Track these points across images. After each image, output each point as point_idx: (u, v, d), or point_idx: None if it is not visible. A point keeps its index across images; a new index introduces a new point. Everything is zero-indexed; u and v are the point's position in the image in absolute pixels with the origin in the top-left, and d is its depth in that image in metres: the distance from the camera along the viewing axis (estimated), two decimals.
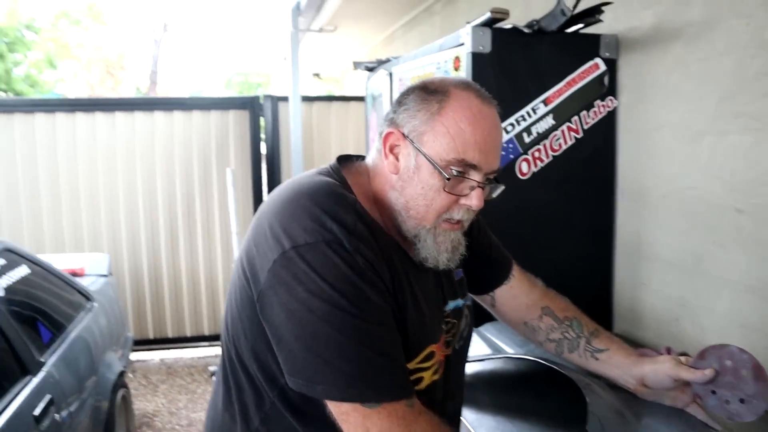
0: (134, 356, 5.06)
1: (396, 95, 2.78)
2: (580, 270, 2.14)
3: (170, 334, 5.23)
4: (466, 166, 1.02)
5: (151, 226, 5.11)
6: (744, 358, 1.19)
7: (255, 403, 1.08)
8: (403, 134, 1.05)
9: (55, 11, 21.01)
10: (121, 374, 3.37)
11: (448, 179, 1.01)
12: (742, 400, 1.18)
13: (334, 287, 0.94)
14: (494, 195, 1.10)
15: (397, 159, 1.07)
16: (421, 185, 1.04)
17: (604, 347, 1.36)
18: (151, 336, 5.22)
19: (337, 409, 0.96)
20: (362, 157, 1.19)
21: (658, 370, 1.26)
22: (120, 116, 5.02)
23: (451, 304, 1.21)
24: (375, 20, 5.05)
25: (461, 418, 1.32)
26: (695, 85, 1.81)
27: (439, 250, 1.07)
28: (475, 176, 1.03)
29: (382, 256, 1.02)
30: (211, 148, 5.15)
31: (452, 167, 1.01)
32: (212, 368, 4.78)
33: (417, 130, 1.04)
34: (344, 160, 1.17)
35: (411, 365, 1.07)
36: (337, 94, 7.76)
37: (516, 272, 1.43)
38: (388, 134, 1.07)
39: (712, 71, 1.74)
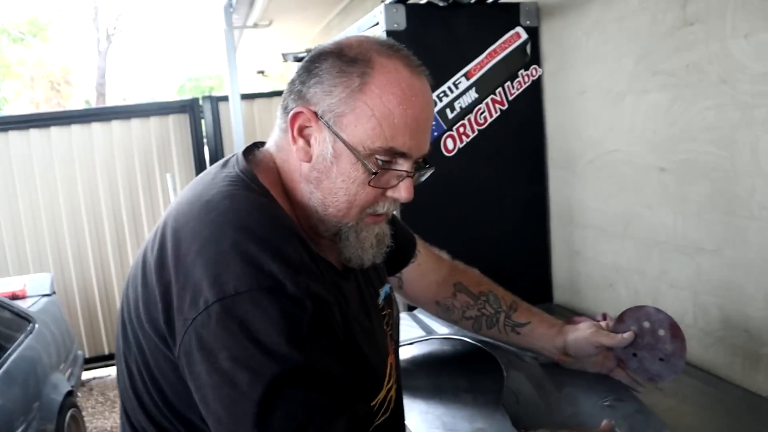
0: (90, 374, 4.95)
1: None
2: (516, 244, 2.11)
3: None
4: (394, 155, 0.87)
5: (98, 239, 5.01)
6: (660, 317, 1.17)
7: None
8: (316, 114, 0.87)
9: None
10: (70, 394, 3.26)
11: (375, 173, 0.86)
12: (661, 360, 1.16)
13: (264, 349, 0.74)
14: (423, 179, 0.97)
15: (308, 144, 0.89)
16: (342, 178, 0.87)
17: (525, 320, 1.31)
18: (106, 351, 5.10)
19: None
20: (263, 143, 1.01)
21: (578, 338, 1.23)
22: (55, 131, 4.90)
23: (382, 293, 1.10)
24: (309, 11, 4.96)
25: None
26: (613, 45, 1.78)
27: (364, 247, 0.93)
28: (405, 165, 0.88)
29: (326, 285, 0.86)
30: (153, 155, 5.06)
31: (378, 156, 0.86)
32: None
33: (334, 111, 0.86)
34: (248, 153, 0.98)
35: (383, 392, 0.97)
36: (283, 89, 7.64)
37: (421, 248, 1.35)
38: (297, 114, 0.88)
39: (628, 30, 1.71)
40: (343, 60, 0.87)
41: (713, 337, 1.52)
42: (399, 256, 1.29)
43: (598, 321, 1.31)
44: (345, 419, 0.76)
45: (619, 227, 1.82)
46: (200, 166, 5.13)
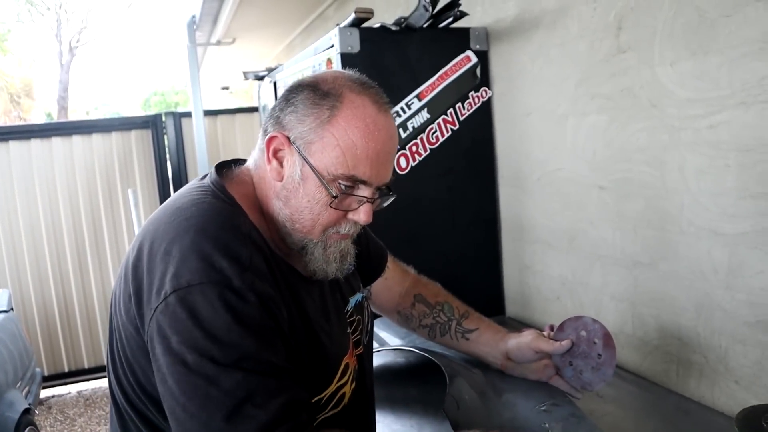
0: (50, 392, 4.87)
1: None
2: (470, 259, 2.19)
3: (87, 365, 5.06)
4: (355, 182, 0.96)
5: (58, 255, 4.94)
6: (596, 327, 1.25)
7: None
8: (289, 139, 0.97)
9: None
10: (27, 412, 3.22)
11: (335, 196, 0.95)
12: (593, 368, 1.24)
13: (208, 335, 0.83)
14: (384, 205, 1.06)
15: (281, 165, 0.98)
16: (307, 198, 0.96)
17: (474, 327, 1.40)
18: (66, 369, 5.03)
19: None
20: (242, 161, 1.10)
21: (521, 343, 1.31)
22: (14, 145, 4.83)
23: (352, 301, 1.18)
24: (272, 30, 5.01)
25: None
26: (556, 69, 1.87)
27: (328, 260, 1.02)
28: (365, 191, 0.97)
29: (279, 285, 0.95)
30: (115, 171, 5.03)
31: (340, 182, 0.95)
32: None
33: (304, 138, 0.95)
34: (223, 167, 1.08)
35: (332, 387, 1.04)
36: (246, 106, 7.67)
37: (390, 263, 1.44)
38: (272, 138, 0.98)
39: (569, 55, 1.81)
40: (317, 93, 0.96)
41: (650, 346, 1.61)
42: (372, 269, 1.38)
43: (544, 332, 1.38)
44: (282, 400, 0.85)
45: (565, 242, 1.91)
46: (163, 182, 5.11)
